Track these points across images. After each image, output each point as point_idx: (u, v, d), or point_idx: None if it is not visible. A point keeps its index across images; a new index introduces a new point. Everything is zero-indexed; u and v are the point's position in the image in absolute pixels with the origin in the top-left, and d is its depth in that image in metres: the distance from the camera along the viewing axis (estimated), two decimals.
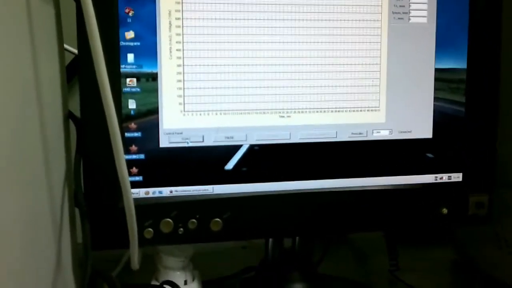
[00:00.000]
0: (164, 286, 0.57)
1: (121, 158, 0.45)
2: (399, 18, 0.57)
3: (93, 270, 0.49)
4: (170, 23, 0.52)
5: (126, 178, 0.46)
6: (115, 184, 0.47)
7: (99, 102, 0.44)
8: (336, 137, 0.58)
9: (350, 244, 0.81)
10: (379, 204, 0.59)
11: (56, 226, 0.47)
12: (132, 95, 0.52)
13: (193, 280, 0.61)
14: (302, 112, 0.56)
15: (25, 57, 0.40)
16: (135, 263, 0.52)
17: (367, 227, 0.60)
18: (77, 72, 0.58)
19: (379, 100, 0.58)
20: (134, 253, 0.51)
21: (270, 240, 0.64)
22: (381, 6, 0.57)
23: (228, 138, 0.55)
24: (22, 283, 0.38)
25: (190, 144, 0.54)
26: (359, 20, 0.56)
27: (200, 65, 0.53)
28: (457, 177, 0.61)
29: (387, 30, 0.57)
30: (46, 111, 0.45)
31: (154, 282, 0.59)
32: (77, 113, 0.52)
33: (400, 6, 0.57)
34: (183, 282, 0.59)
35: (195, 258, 0.61)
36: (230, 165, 0.55)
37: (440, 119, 0.59)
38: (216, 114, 0.54)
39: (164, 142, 0.54)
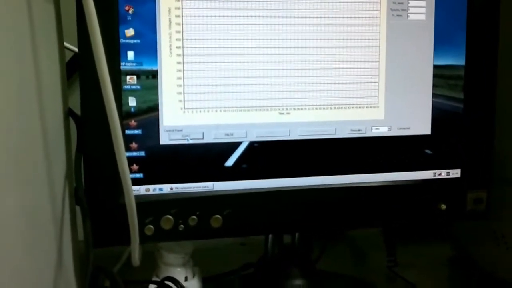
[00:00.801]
0: (165, 282, 0.57)
1: (122, 155, 0.46)
2: (397, 15, 0.58)
3: (95, 266, 0.50)
4: (170, 20, 0.52)
5: (127, 175, 0.46)
6: (115, 181, 0.47)
7: (99, 100, 0.44)
8: (335, 133, 0.58)
9: (349, 240, 0.82)
10: (378, 200, 0.59)
11: (57, 223, 0.47)
12: (132, 92, 0.52)
13: (193, 276, 0.61)
14: (302, 109, 0.57)
15: (26, 54, 0.40)
16: (136, 260, 0.52)
17: (366, 223, 0.61)
18: (76, 70, 0.58)
19: (378, 97, 0.58)
20: (135, 250, 0.51)
21: (270, 236, 0.64)
22: (380, 3, 0.57)
23: (228, 135, 0.55)
24: (24, 280, 0.38)
25: (190, 141, 0.55)
26: (358, 17, 0.57)
27: (200, 62, 0.53)
28: (455, 173, 0.61)
29: (386, 27, 0.57)
30: (46, 108, 0.45)
31: (154, 279, 0.60)
32: (77, 110, 0.52)
33: (398, 3, 0.57)
34: (183, 279, 0.59)
35: (195, 254, 0.61)
36: (230, 162, 0.56)
37: (438, 115, 0.60)
38: (216, 111, 0.55)
39: (164, 139, 0.54)
